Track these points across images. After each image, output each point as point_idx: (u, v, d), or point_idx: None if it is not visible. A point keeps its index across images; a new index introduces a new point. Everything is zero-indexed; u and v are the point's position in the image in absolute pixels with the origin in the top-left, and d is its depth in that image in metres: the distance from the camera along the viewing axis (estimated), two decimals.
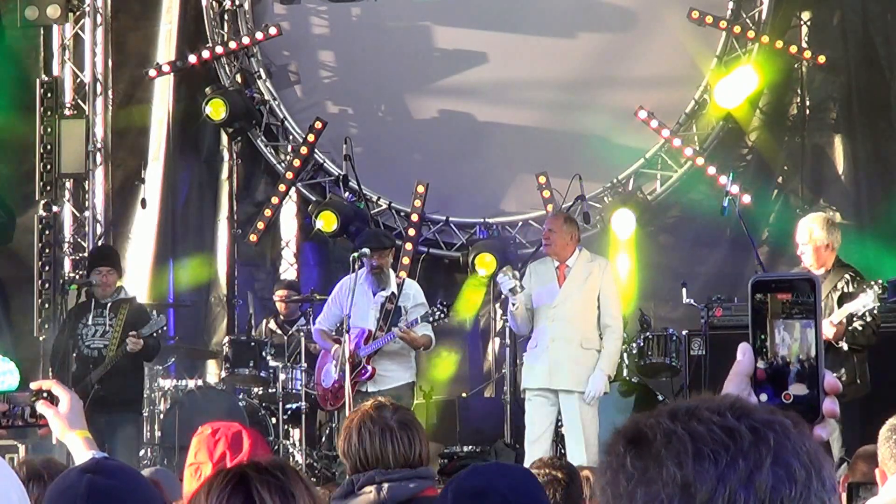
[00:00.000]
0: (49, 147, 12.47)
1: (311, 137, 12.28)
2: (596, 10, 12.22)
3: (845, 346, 7.86)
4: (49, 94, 12.61)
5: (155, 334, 9.84)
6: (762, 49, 11.71)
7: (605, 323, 8.73)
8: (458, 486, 3.03)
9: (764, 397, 1.51)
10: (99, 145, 12.73)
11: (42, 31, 12.76)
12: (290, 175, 12.36)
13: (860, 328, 7.88)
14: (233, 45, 12.48)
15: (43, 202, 12.59)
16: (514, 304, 8.71)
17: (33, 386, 3.18)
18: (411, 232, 12.25)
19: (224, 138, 12.74)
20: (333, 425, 10.18)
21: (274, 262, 12.82)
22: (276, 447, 10.37)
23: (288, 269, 12.76)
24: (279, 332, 11.51)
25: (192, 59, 12.45)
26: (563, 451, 8.87)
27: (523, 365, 9.06)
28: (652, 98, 11.90)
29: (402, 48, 12.60)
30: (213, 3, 12.61)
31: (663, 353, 10.40)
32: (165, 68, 12.42)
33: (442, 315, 9.04)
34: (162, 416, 10.77)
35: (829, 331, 7.55)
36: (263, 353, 10.94)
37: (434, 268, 12.38)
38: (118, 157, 12.82)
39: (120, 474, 2.70)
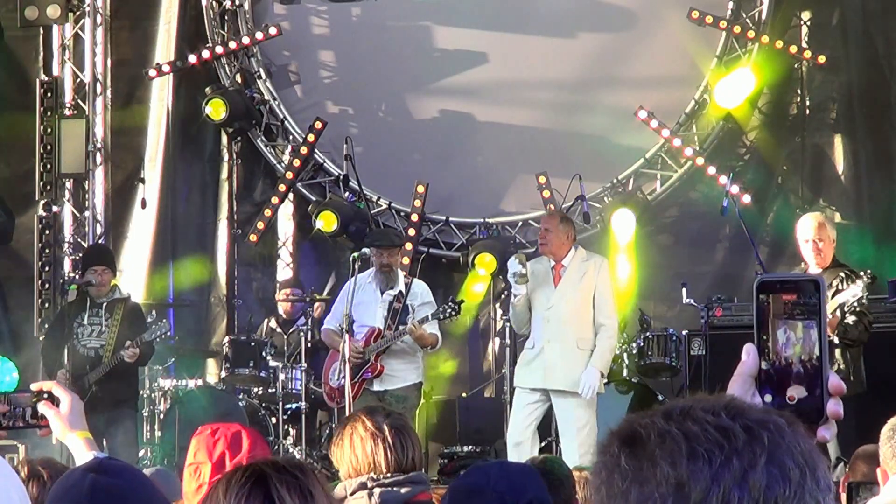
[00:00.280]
0: (49, 147, 12.48)
1: (311, 137, 12.28)
2: (596, 10, 12.22)
3: (836, 339, 7.87)
4: (49, 94, 12.61)
5: (156, 340, 9.84)
6: (762, 49, 11.71)
7: (599, 322, 8.72)
8: (456, 485, 3.03)
9: (768, 398, 1.51)
10: (99, 145, 12.73)
11: (42, 31, 12.76)
12: (290, 175, 12.36)
13: (852, 322, 7.89)
14: (233, 45, 12.48)
15: (43, 202, 12.60)
16: (516, 296, 8.70)
17: (34, 387, 3.18)
18: (411, 232, 12.25)
19: (224, 138, 12.74)
20: (333, 425, 10.18)
21: (271, 261, 12.81)
22: (276, 447, 10.37)
23: (284, 269, 12.76)
24: (280, 331, 11.51)
25: (192, 59, 12.45)
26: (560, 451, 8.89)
27: (518, 362, 9.06)
28: (652, 98, 11.91)
29: (402, 48, 12.60)
30: (213, 3, 12.61)
31: (663, 353, 10.41)
32: (165, 68, 12.42)
33: (453, 312, 9.04)
34: (162, 416, 10.76)
35: None
36: (263, 353, 10.94)
37: (434, 268, 12.37)
38: (117, 157, 12.82)
39: (123, 474, 2.70)
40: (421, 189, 12.19)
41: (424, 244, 12.41)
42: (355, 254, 9.10)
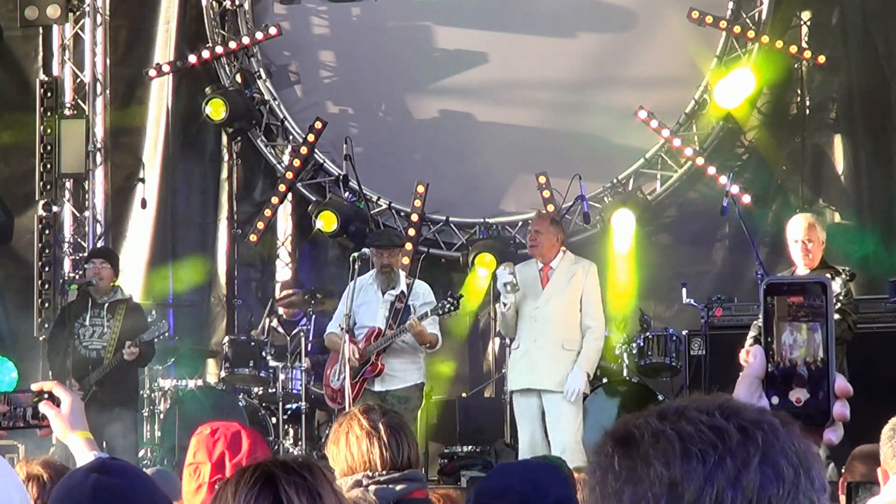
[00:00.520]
0: (49, 147, 12.48)
1: (311, 137, 12.28)
2: (596, 10, 12.22)
3: None
4: (49, 94, 12.61)
5: (156, 340, 9.83)
6: (762, 49, 11.71)
7: (586, 324, 8.77)
8: (479, 487, 3.04)
9: (775, 400, 1.51)
10: (99, 145, 12.74)
11: (42, 31, 12.76)
12: (290, 175, 12.36)
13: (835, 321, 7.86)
14: (233, 45, 12.48)
15: (43, 202, 12.60)
16: (505, 305, 8.74)
17: (34, 387, 3.18)
18: (411, 232, 12.25)
19: (224, 138, 12.74)
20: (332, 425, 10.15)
21: (271, 261, 12.81)
22: (276, 447, 10.37)
23: (284, 269, 12.76)
24: (281, 331, 11.50)
25: (192, 59, 12.45)
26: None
27: (509, 366, 9.09)
28: (652, 98, 11.90)
29: (402, 48, 12.60)
30: (213, 3, 12.61)
31: (663, 353, 10.41)
32: (165, 68, 12.42)
33: (452, 307, 9.04)
34: (162, 416, 10.76)
35: None
36: (263, 353, 10.94)
37: (434, 268, 12.37)
38: (116, 157, 12.82)
39: (126, 474, 2.70)
40: (421, 189, 12.19)
41: (424, 244, 12.41)
42: (355, 254, 9.09)
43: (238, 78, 12.59)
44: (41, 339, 11.96)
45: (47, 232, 12.56)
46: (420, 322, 8.90)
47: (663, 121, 11.83)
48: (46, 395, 3.15)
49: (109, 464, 2.71)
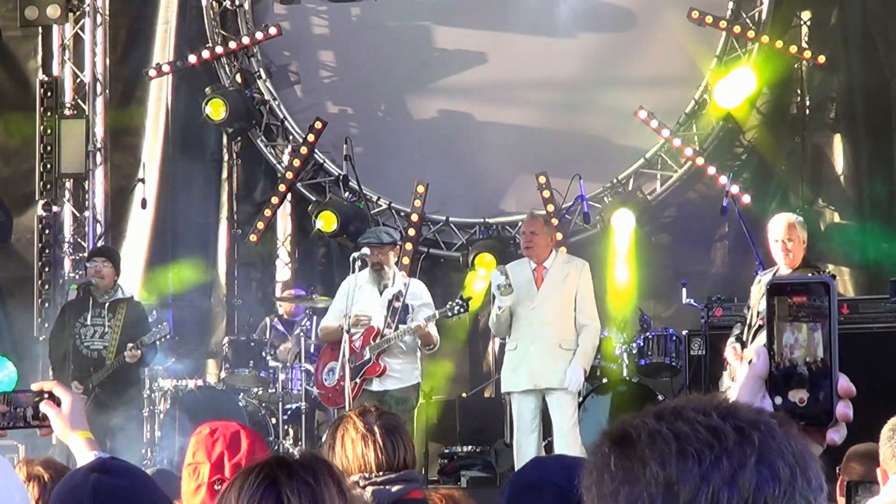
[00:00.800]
0: (49, 147, 12.48)
1: (311, 137, 12.28)
2: (596, 10, 12.22)
3: None
4: (49, 94, 12.62)
5: (158, 343, 9.84)
6: (762, 49, 11.71)
7: (581, 323, 8.80)
8: (515, 480, 3.04)
9: (778, 400, 1.51)
10: (99, 145, 12.74)
11: (42, 31, 12.76)
12: (290, 175, 12.36)
13: None
14: (233, 45, 12.49)
15: (43, 202, 12.60)
16: (500, 308, 8.74)
17: (35, 387, 3.17)
18: (411, 232, 12.25)
19: (224, 138, 12.74)
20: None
21: (271, 261, 12.82)
22: (276, 447, 10.37)
23: (284, 269, 12.76)
24: (283, 331, 11.50)
25: (192, 59, 12.45)
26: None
27: (503, 367, 9.09)
28: (652, 98, 11.91)
29: (402, 48, 12.60)
30: (213, 3, 12.61)
31: (663, 353, 10.41)
32: (165, 68, 12.43)
33: (462, 310, 9.05)
34: (162, 416, 10.77)
35: None
36: (263, 353, 10.94)
37: (434, 268, 12.38)
38: (116, 156, 12.83)
39: (126, 474, 2.70)
40: (421, 189, 12.19)
41: (424, 244, 12.41)
42: (355, 254, 9.08)
43: (238, 78, 12.59)
44: (41, 339, 11.96)
45: (47, 232, 12.56)
46: (427, 324, 8.91)
47: (663, 121, 11.83)
48: (47, 395, 3.15)
49: (110, 464, 2.71)
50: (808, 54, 11.61)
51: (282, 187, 12.40)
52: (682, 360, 10.32)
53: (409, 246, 12.16)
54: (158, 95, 12.68)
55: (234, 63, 12.67)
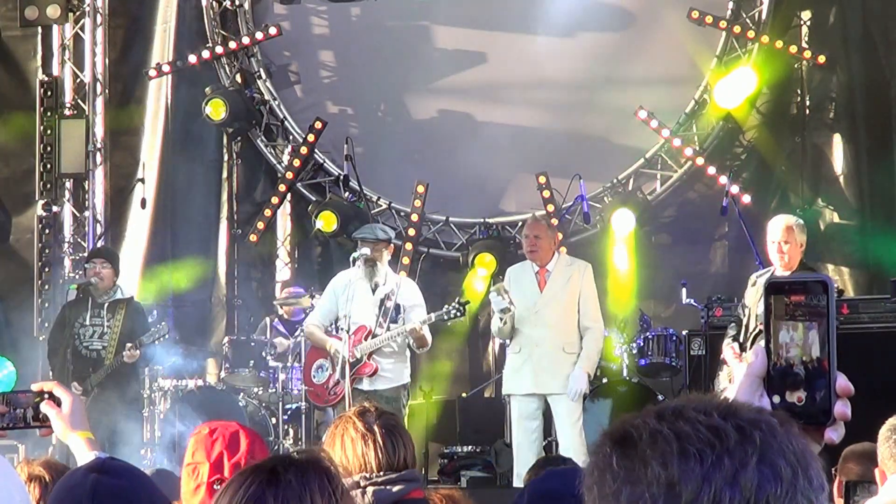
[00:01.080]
0: (49, 147, 12.48)
1: (311, 137, 12.28)
2: (596, 10, 12.22)
3: None
4: (49, 94, 12.62)
5: (157, 342, 9.83)
6: (762, 49, 11.71)
7: (584, 325, 8.78)
8: (533, 489, 3.04)
9: (776, 399, 1.51)
10: (99, 145, 12.74)
11: (42, 31, 12.76)
12: (290, 175, 12.36)
13: None
14: (233, 45, 12.49)
15: (43, 202, 12.60)
16: (502, 321, 8.72)
17: (35, 387, 3.17)
18: (411, 232, 12.25)
19: (224, 138, 12.74)
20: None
21: (271, 261, 12.81)
22: (276, 447, 10.36)
23: (283, 269, 12.76)
24: (283, 331, 11.49)
25: (192, 59, 12.45)
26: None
27: (506, 369, 9.07)
28: (652, 98, 11.91)
29: (402, 48, 12.60)
30: (213, 3, 12.61)
31: (663, 353, 10.41)
32: (165, 68, 12.43)
33: (459, 314, 9.02)
34: (162, 416, 10.76)
35: None
36: (263, 353, 10.94)
37: (434, 268, 12.38)
38: (115, 156, 12.82)
39: (125, 474, 2.70)
40: (421, 189, 12.19)
41: (424, 244, 12.41)
42: (355, 254, 9.07)
43: (238, 78, 12.59)
44: (41, 338, 11.96)
45: (47, 232, 12.56)
46: (423, 326, 8.88)
47: (663, 121, 11.83)
48: (47, 396, 3.15)
49: (109, 464, 2.71)
50: (808, 54, 11.61)
51: (282, 187, 12.40)
52: (682, 360, 10.32)
53: (409, 246, 12.16)
54: (158, 95, 12.68)
55: (234, 63, 12.67)
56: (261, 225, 12.36)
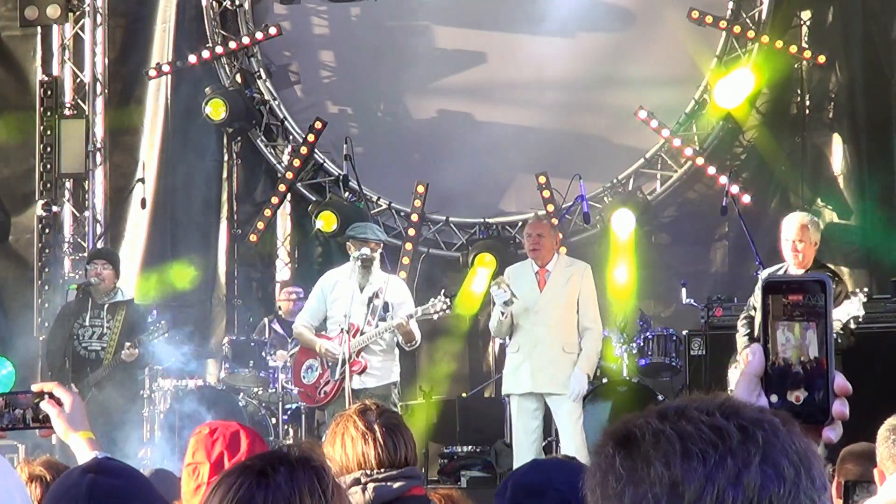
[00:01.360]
0: (49, 147, 12.48)
1: (311, 137, 12.29)
2: (596, 10, 12.22)
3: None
4: (49, 94, 12.62)
5: (155, 342, 9.82)
6: (762, 49, 11.72)
7: (584, 326, 8.78)
8: (516, 483, 3.02)
9: (774, 398, 1.51)
10: (99, 145, 12.74)
11: (42, 31, 12.76)
12: (290, 175, 12.37)
13: (839, 339, 7.79)
14: (233, 45, 12.49)
15: (43, 202, 12.60)
16: (503, 314, 8.71)
17: (35, 388, 3.17)
18: (411, 232, 12.25)
19: (224, 138, 12.74)
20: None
21: (271, 261, 12.81)
22: (276, 447, 10.35)
23: (283, 269, 12.75)
24: (282, 332, 11.49)
25: (192, 59, 12.45)
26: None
27: (505, 369, 9.07)
28: (652, 98, 11.91)
29: (402, 48, 12.60)
30: (213, 3, 12.61)
31: (663, 353, 10.41)
32: (165, 68, 12.43)
33: (445, 308, 8.99)
34: (162, 416, 10.76)
35: None
36: (263, 353, 10.94)
37: (434, 268, 12.38)
38: (115, 156, 12.83)
39: (122, 474, 2.70)
40: (421, 189, 12.19)
41: (424, 244, 12.41)
42: (356, 254, 9.05)
43: (238, 78, 12.59)
44: (41, 338, 11.96)
45: (47, 232, 12.56)
46: (409, 321, 8.85)
47: (663, 121, 11.84)
48: (47, 396, 3.15)
49: (106, 464, 2.71)
50: (807, 54, 11.61)
51: (282, 187, 12.40)
52: (682, 360, 10.32)
53: (409, 246, 12.16)
54: (157, 95, 12.68)
55: (234, 63, 12.67)
56: (261, 225, 12.36)
